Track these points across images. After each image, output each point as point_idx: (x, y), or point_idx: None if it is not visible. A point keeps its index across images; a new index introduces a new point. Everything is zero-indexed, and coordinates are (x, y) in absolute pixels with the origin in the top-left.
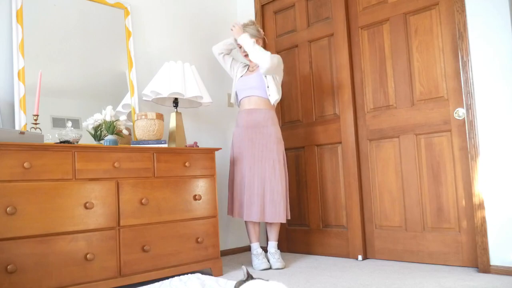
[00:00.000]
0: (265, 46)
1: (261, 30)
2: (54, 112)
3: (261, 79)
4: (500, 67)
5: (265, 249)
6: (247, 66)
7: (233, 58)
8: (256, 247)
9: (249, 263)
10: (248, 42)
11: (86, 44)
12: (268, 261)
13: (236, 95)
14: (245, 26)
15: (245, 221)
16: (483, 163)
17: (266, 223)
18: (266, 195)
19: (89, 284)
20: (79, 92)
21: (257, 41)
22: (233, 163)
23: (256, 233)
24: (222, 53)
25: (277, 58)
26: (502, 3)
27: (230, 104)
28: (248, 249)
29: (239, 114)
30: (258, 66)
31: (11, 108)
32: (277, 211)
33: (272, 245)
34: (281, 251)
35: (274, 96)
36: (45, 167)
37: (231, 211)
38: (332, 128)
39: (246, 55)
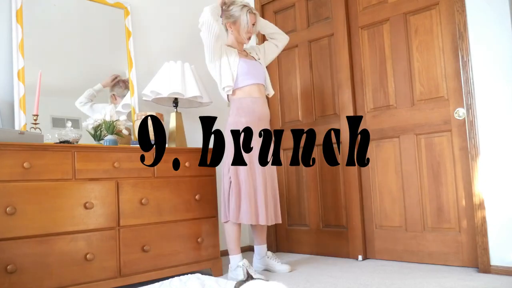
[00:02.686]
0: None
1: None
2: (54, 112)
3: (264, 68)
4: (500, 67)
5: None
6: (236, 50)
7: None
8: (240, 259)
9: (249, 263)
10: (267, 22)
11: (86, 44)
12: (269, 268)
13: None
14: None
15: (240, 225)
16: (483, 163)
17: (256, 226)
18: (276, 197)
19: (89, 284)
20: (79, 92)
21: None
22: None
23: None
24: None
25: None
26: (502, 3)
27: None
28: (248, 249)
29: (245, 101)
30: (251, 53)
31: (11, 108)
32: (278, 212)
33: (264, 249)
34: (281, 251)
35: (271, 89)
36: (45, 167)
37: (237, 217)
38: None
39: (249, 38)
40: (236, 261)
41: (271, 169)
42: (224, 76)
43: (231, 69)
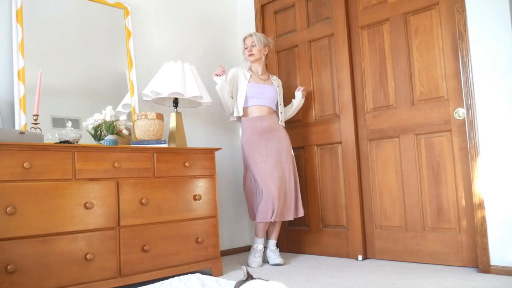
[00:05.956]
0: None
1: (270, 39)
2: (54, 112)
3: (276, 94)
4: (500, 67)
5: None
6: (250, 74)
7: (229, 79)
8: (259, 243)
9: (246, 263)
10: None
11: (86, 44)
12: (267, 258)
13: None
14: (255, 33)
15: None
16: (483, 163)
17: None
18: (289, 194)
19: (89, 284)
20: (79, 92)
21: (265, 49)
22: (249, 171)
23: (264, 230)
24: (232, 96)
25: None
26: (502, 4)
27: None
28: (248, 249)
29: (247, 122)
30: (273, 80)
31: (11, 108)
32: (299, 207)
33: (273, 243)
34: (281, 251)
35: (282, 118)
36: (45, 167)
37: (253, 216)
38: (332, 128)
39: (251, 55)
40: (257, 243)
41: (285, 170)
42: (238, 106)
43: (243, 92)
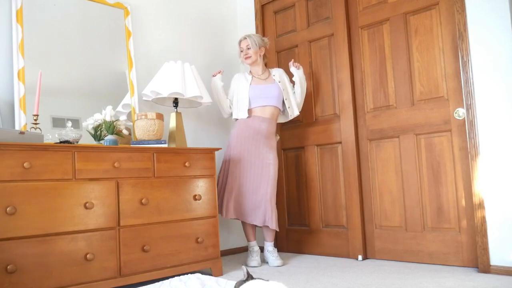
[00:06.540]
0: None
1: (266, 39)
2: (54, 112)
3: (280, 90)
4: (500, 67)
5: (261, 249)
6: (251, 77)
7: (232, 87)
8: (253, 245)
9: (244, 263)
10: (304, 80)
11: (86, 44)
12: (266, 259)
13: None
14: (249, 36)
15: (243, 222)
16: (483, 163)
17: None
18: (271, 201)
19: (89, 284)
20: (79, 92)
21: (261, 50)
22: (231, 165)
23: (254, 232)
24: (229, 99)
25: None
26: (502, 4)
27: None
28: (243, 250)
29: (247, 120)
30: (274, 76)
31: (11, 108)
32: (275, 218)
33: (270, 245)
34: (281, 251)
35: (295, 111)
36: (45, 167)
37: (226, 211)
38: (332, 128)
39: (247, 57)
40: (250, 246)
41: (270, 176)
42: (241, 108)
43: (244, 93)
